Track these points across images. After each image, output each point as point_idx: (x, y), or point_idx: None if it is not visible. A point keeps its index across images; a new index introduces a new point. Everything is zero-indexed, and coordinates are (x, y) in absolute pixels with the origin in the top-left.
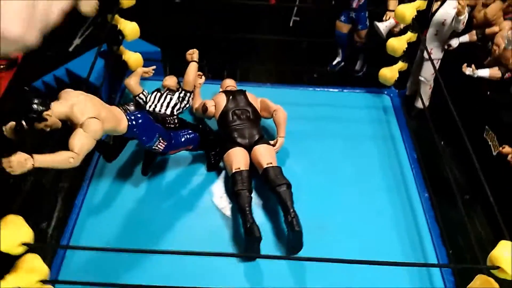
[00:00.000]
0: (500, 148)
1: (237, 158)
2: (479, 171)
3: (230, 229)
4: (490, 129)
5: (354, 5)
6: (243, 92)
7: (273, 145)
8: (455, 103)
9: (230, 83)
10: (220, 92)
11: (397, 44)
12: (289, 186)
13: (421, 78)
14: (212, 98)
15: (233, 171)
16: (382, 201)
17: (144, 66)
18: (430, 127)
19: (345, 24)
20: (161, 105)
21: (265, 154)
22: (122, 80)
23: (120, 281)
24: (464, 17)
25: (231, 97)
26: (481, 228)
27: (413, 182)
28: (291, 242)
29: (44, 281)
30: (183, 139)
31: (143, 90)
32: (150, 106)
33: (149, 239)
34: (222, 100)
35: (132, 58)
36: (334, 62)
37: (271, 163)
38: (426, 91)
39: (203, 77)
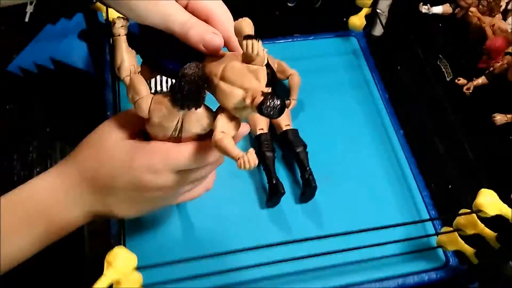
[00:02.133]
0: (456, 81)
1: (259, 120)
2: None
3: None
4: (443, 57)
5: None
6: None
7: (288, 105)
8: (408, 32)
9: None
10: None
11: (358, 21)
12: (305, 147)
13: (378, 10)
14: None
15: (257, 132)
16: (367, 141)
17: None
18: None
19: None
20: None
21: (283, 117)
22: (105, 61)
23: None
24: None
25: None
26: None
27: (389, 121)
28: (305, 194)
29: (136, 268)
30: None
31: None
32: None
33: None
34: None
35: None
36: None
37: (288, 125)
38: (382, 22)
39: None
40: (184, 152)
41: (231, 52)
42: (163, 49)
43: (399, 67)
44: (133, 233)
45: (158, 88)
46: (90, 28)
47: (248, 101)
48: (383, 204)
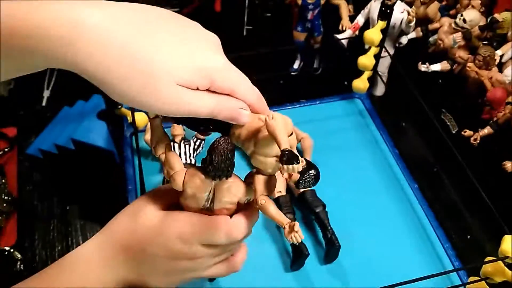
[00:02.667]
0: (462, 132)
1: (278, 184)
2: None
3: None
4: (446, 111)
5: (309, 16)
6: None
7: None
8: (409, 90)
9: None
10: None
11: (368, 61)
12: (324, 206)
13: (379, 72)
14: None
15: (276, 195)
16: (383, 197)
17: None
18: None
19: (302, 33)
20: (183, 156)
21: None
22: (124, 137)
23: None
24: (414, 23)
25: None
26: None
27: (403, 176)
28: (329, 254)
29: None
30: None
31: None
32: None
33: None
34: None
35: (138, 117)
36: (295, 66)
37: None
38: (381, 82)
39: None
40: (216, 224)
41: (254, 114)
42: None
43: (404, 124)
44: None
45: (182, 150)
46: (110, 108)
47: (285, 175)
48: (406, 259)
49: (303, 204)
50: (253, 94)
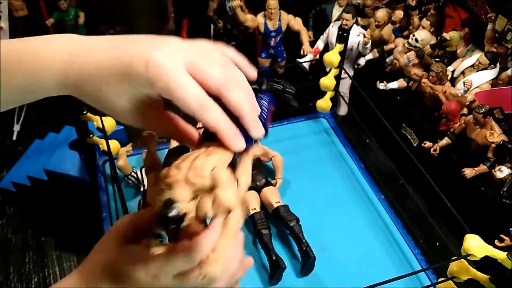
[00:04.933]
0: (422, 144)
1: (252, 201)
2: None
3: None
4: (406, 126)
5: (272, 43)
6: None
7: (275, 184)
8: (371, 108)
9: None
10: None
11: (329, 82)
12: (298, 220)
13: (340, 92)
14: None
15: (251, 212)
16: (353, 209)
17: None
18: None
19: (266, 59)
20: None
21: (273, 195)
22: (97, 165)
23: None
24: (370, 45)
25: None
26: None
27: (369, 188)
28: (305, 265)
29: None
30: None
31: (133, 169)
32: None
33: None
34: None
35: (111, 145)
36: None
37: (278, 202)
38: (344, 102)
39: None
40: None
41: None
42: None
43: (368, 140)
44: None
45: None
46: (81, 138)
47: None
48: (379, 266)
49: (277, 220)
50: (252, 116)
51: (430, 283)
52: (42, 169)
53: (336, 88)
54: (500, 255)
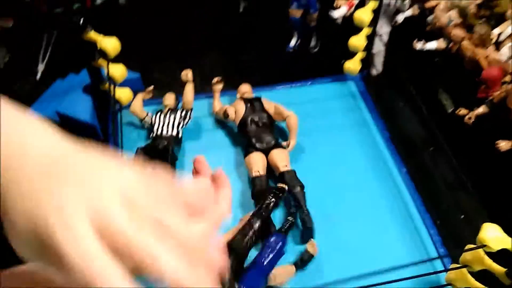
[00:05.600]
0: (457, 111)
1: (257, 163)
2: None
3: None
4: (442, 90)
5: None
6: (259, 99)
7: (287, 145)
8: (409, 69)
9: (246, 89)
10: (239, 99)
11: (358, 42)
12: (302, 187)
13: (374, 51)
14: (232, 105)
15: (253, 175)
16: (370, 181)
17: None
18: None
19: (298, 10)
20: (167, 126)
21: (281, 158)
22: (110, 113)
23: None
24: (409, 0)
25: (249, 105)
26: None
27: (392, 160)
28: (303, 233)
29: None
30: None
31: (147, 113)
32: (157, 129)
33: None
34: (241, 107)
35: (122, 94)
36: (291, 44)
37: (286, 166)
38: (379, 61)
39: (221, 83)
40: None
41: None
42: None
43: (401, 105)
44: None
45: (166, 122)
46: (94, 84)
47: None
48: (389, 244)
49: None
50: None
51: (443, 268)
52: (55, 110)
53: (369, 48)
54: None
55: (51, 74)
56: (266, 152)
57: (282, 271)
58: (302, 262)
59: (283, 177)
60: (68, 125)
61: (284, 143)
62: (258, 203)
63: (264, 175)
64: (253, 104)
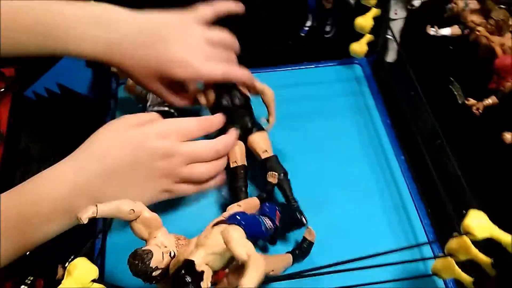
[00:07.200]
0: (465, 101)
1: (233, 152)
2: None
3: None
4: (454, 80)
5: None
6: None
7: (267, 122)
8: (422, 57)
9: None
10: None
11: (364, 22)
12: (285, 174)
13: (389, 36)
14: (201, 89)
15: (230, 166)
16: (364, 168)
17: None
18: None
19: None
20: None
21: (260, 143)
22: (110, 87)
23: None
24: None
25: (219, 85)
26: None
27: (390, 147)
28: (294, 222)
29: (94, 280)
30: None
31: (142, 90)
32: (149, 106)
33: None
34: (211, 90)
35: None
36: (306, 27)
37: (266, 151)
38: (393, 47)
39: None
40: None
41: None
42: None
43: (412, 93)
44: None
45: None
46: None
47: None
48: (380, 233)
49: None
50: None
51: (432, 256)
52: (56, 82)
53: (379, 33)
54: (505, 239)
55: None
56: (243, 137)
57: (279, 259)
58: (303, 251)
59: (264, 165)
60: (68, 97)
61: (263, 119)
62: (235, 199)
63: (242, 164)
64: (224, 84)
